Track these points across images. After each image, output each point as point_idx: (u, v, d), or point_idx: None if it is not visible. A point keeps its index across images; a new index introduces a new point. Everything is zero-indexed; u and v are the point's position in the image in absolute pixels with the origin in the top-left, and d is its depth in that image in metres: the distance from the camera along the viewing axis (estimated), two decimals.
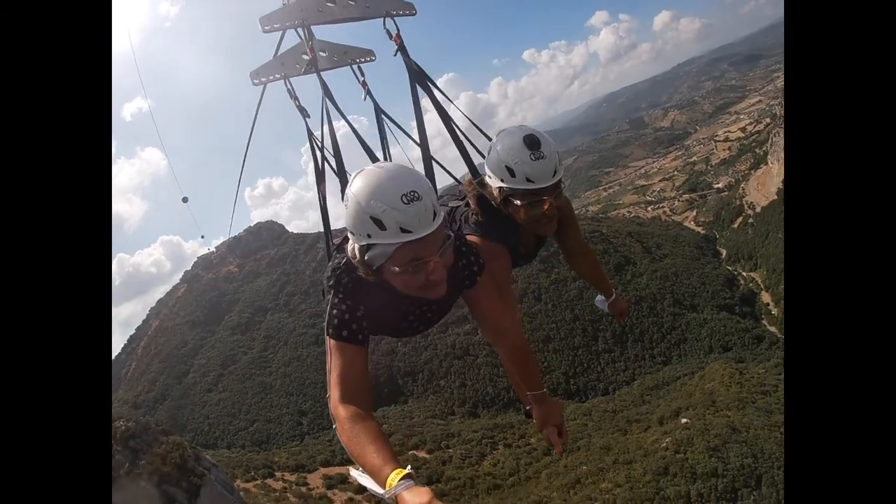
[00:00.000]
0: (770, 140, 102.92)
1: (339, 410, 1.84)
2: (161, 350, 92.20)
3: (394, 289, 1.96)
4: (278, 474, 39.10)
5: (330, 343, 1.98)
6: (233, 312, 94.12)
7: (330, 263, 2.15)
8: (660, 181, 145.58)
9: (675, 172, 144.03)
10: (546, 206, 2.42)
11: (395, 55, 3.17)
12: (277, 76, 3.38)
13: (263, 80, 3.37)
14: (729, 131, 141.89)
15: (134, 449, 20.95)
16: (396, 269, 1.83)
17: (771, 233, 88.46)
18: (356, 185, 1.83)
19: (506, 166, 2.38)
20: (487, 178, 2.55)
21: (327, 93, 3.17)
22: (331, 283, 2.04)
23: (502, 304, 2.38)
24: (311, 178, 3.27)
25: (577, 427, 49.38)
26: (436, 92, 3.10)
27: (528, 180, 2.35)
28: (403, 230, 1.75)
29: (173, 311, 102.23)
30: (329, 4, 3.24)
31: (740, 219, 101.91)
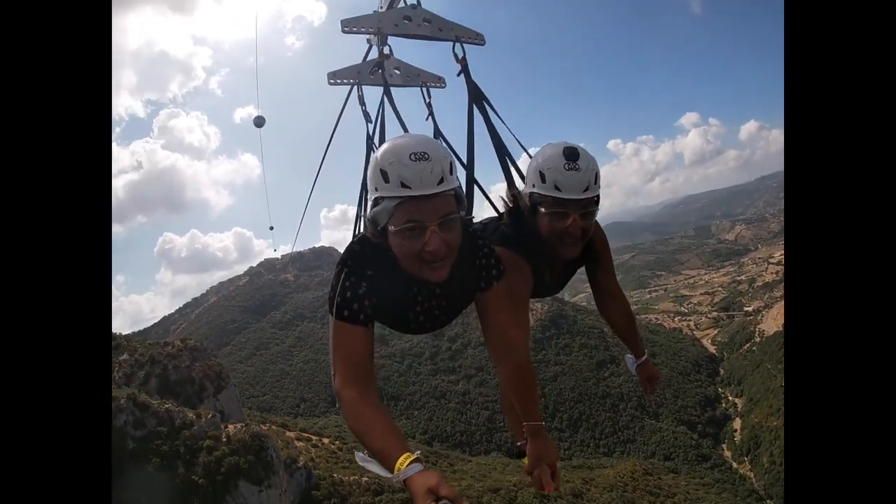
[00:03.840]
0: None
1: (344, 393, 1.87)
2: (212, 321, 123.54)
3: (401, 270, 1.96)
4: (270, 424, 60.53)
5: (332, 322, 1.98)
6: (278, 311, 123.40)
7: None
8: (701, 294, 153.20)
9: (719, 288, 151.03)
10: (569, 221, 2.41)
11: (458, 76, 3.51)
12: (351, 81, 4.02)
13: (339, 81, 4.04)
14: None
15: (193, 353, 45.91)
16: (393, 227, 1.84)
17: (763, 363, 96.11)
18: (382, 146, 1.93)
19: (539, 171, 2.43)
20: (524, 189, 2.62)
21: (389, 98, 3.71)
22: (342, 257, 2.07)
23: (514, 318, 2.31)
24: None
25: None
26: (492, 116, 3.28)
27: (557, 188, 2.38)
28: (404, 185, 1.78)
29: (231, 294, 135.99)
30: (406, 21, 3.68)
31: (748, 344, 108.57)
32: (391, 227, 1.85)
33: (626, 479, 63.83)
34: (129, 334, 69.12)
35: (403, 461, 1.61)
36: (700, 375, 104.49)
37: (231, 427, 39.55)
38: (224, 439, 37.36)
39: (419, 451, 1.67)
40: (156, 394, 42.60)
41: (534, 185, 2.48)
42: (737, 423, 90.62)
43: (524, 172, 2.78)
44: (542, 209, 2.45)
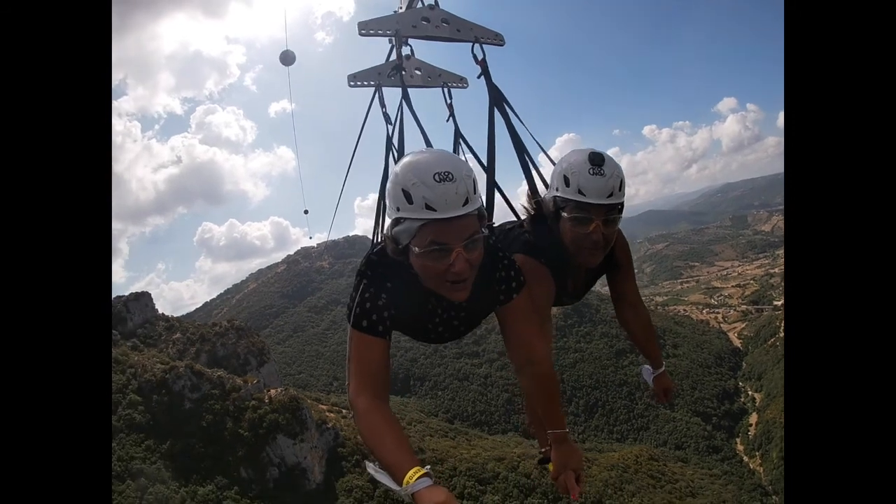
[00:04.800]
0: None
1: (358, 402, 1.89)
2: (252, 306, 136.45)
3: (421, 283, 1.97)
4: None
5: (351, 332, 2.00)
6: (314, 296, 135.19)
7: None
8: (733, 286, 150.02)
9: (751, 281, 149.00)
10: (592, 227, 2.42)
11: (479, 77, 3.49)
12: (372, 83, 4.01)
13: (359, 83, 4.05)
14: None
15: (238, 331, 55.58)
16: (417, 249, 1.83)
17: (780, 360, 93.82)
18: (402, 160, 1.91)
19: (564, 175, 2.44)
20: (547, 193, 2.64)
21: (407, 100, 3.68)
22: (361, 268, 2.07)
23: (537, 329, 2.30)
24: None
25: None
26: (511, 116, 3.28)
27: (580, 192, 2.39)
28: (428, 207, 1.76)
29: (270, 281, 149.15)
30: (424, 23, 3.65)
31: (773, 339, 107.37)
32: (415, 249, 1.84)
33: (630, 461, 68.21)
34: (179, 317, 79.20)
35: (413, 475, 1.62)
36: (721, 368, 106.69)
37: (272, 391, 48.40)
38: (266, 400, 46.07)
39: (429, 466, 1.68)
40: (206, 367, 51.62)
41: (557, 189, 2.49)
42: (753, 418, 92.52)
43: (546, 177, 2.86)
44: (566, 213, 2.47)
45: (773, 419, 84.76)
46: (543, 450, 2.62)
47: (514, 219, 3.04)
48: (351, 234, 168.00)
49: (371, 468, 1.84)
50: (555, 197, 2.51)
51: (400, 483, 1.65)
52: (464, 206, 1.80)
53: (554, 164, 2.68)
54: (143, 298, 64.96)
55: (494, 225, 2.85)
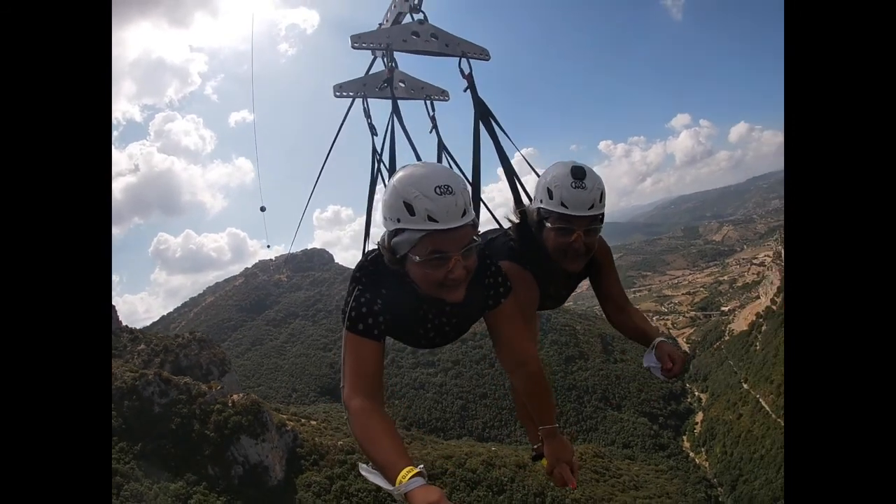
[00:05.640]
0: (763, 274, 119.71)
1: (352, 403, 1.95)
2: (209, 319, 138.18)
3: (415, 290, 2.08)
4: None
5: (346, 335, 2.07)
6: (272, 309, 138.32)
7: (359, 261, 2.27)
8: (683, 294, 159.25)
9: (701, 288, 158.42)
10: (574, 237, 2.57)
11: (465, 91, 3.63)
12: (358, 94, 4.10)
13: (344, 94, 4.12)
14: (767, 256, 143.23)
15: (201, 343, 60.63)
16: (417, 258, 1.95)
17: (726, 360, 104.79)
18: (397, 176, 2.01)
19: (547, 188, 2.60)
20: (531, 205, 2.77)
21: (397, 112, 3.77)
22: (355, 274, 2.20)
23: (524, 332, 2.45)
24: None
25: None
26: (498, 132, 3.41)
27: (563, 205, 2.55)
28: (431, 218, 1.89)
29: (227, 294, 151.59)
30: (413, 37, 3.80)
31: (718, 342, 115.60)
32: (415, 258, 1.96)
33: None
34: (142, 328, 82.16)
35: (406, 474, 1.66)
36: None
37: (235, 396, 53.11)
38: (230, 404, 50.75)
39: (422, 465, 1.71)
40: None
41: (541, 201, 2.64)
42: (699, 417, 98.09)
43: (529, 190, 3.00)
44: (549, 224, 2.61)
45: (716, 417, 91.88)
46: (536, 446, 2.81)
47: (497, 227, 3.21)
48: (309, 246, 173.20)
49: (364, 469, 1.90)
50: (539, 208, 2.68)
51: (393, 483, 1.68)
52: (462, 217, 1.95)
53: (539, 175, 2.85)
54: None
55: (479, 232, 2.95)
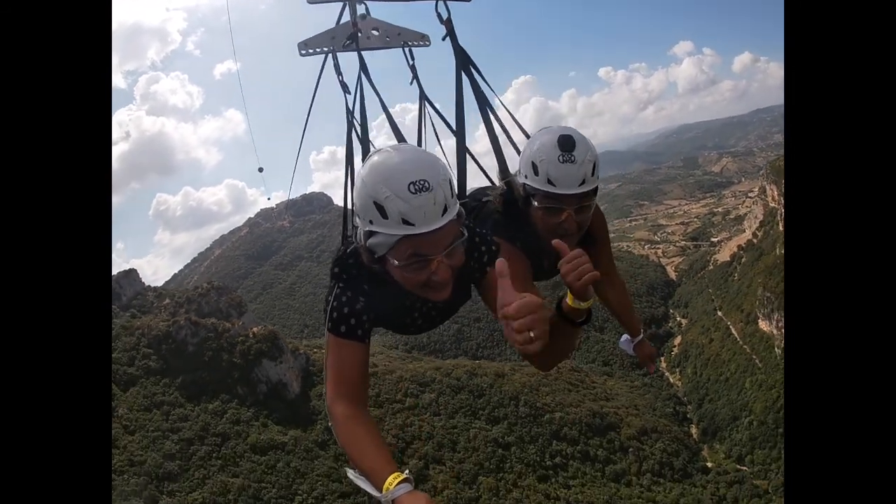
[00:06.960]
0: (751, 209, 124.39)
1: (336, 408, 1.92)
2: (220, 270, 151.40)
3: (399, 284, 1.92)
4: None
5: (328, 337, 2.01)
6: (278, 255, 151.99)
7: (337, 252, 2.13)
8: (677, 224, 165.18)
9: (695, 219, 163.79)
10: (563, 216, 2.38)
11: (444, 39, 3.43)
12: (325, 49, 3.73)
13: (311, 51, 3.75)
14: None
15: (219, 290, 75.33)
16: (396, 262, 1.80)
17: (704, 289, 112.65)
18: (367, 166, 1.82)
19: (532, 162, 2.38)
20: (517, 175, 2.56)
21: (364, 70, 3.47)
22: (334, 271, 2.07)
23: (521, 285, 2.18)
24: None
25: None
26: (479, 80, 3.20)
27: (550, 182, 2.34)
28: (406, 222, 1.71)
29: (234, 245, 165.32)
30: None
31: (703, 271, 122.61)
32: (393, 261, 1.80)
33: (552, 372, 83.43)
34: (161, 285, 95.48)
35: (392, 480, 1.64)
36: (653, 297, 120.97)
37: (255, 328, 67.48)
38: (251, 335, 65.05)
39: (407, 470, 1.70)
40: None
41: (526, 177, 2.43)
42: (678, 340, 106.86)
43: (517, 144, 2.83)
44: (536, 202, 2.40)
45: (692, 340, 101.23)
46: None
47: (488, 185, 3.07)
48: (308, 190, 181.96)
49: (352, 474, 1.87)
50: (524, 184, 2.46)
51: (380, 489, 1.66)
52: (443, 215, 1.75)
53: (526, 134, 2.76)
54: (131, 275, 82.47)
55: (467, 193, 2.87)
